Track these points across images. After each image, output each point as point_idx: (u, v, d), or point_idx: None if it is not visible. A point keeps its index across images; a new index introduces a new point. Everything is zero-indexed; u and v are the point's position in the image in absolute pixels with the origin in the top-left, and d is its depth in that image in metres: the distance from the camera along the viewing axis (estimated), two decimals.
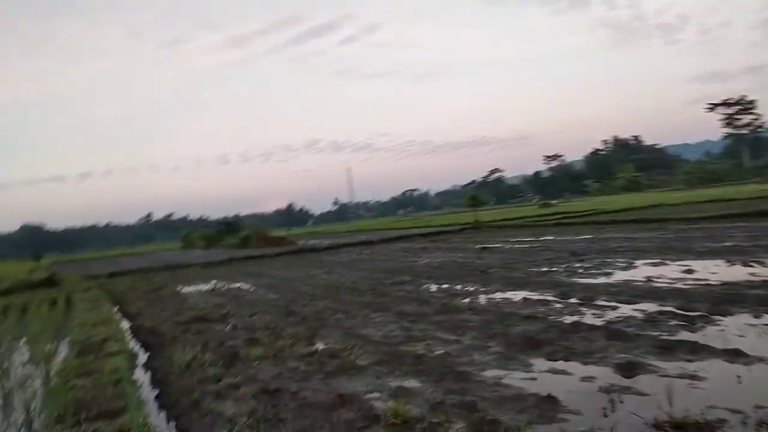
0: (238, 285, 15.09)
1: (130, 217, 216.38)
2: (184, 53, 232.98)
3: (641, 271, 10.34)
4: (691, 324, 6.14)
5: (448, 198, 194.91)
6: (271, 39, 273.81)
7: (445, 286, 10.92)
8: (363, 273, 14.77)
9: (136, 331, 9.27)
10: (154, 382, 5.98)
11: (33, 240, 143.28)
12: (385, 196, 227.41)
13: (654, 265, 10.93)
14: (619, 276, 9.98)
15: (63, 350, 7.90)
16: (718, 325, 6.03)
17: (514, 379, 5.00)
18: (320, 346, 6.83)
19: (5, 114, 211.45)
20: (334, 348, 6.55)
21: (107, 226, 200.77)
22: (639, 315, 6.80)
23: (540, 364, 5.33)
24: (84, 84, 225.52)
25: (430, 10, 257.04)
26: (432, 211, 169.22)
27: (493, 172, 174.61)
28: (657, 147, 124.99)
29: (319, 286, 12.80)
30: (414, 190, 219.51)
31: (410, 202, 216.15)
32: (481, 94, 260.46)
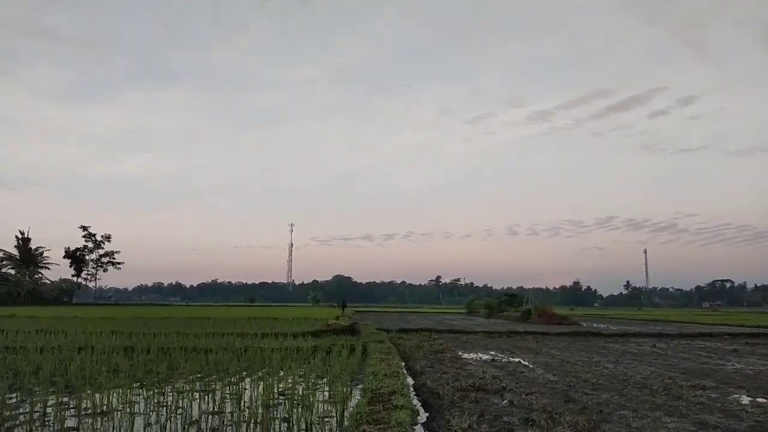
0: (516, 359, 14.93)
1: (421, 277, 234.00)
2: (488, 128, 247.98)
3: None
4: None
5: None
6: (573, 113, 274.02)
7: (761, 399, 9.17)
8: (655, 369, 13.27)
9: (418, 389, 9.81)
10: None
11: (342, 289, 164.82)
12: (687, 285, 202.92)
13: None
14: None
15: (356, 395, 8.77)
16: None
17: None
18: None
19: (336, 180, 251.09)
20: None
21: (402, 283, 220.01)
22: None
23: None
24: (398, 154, 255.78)
25: (757, 78, 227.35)
26: (748, 307, 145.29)
27: None
28: None
29: (602, 375, 11.90)
30: (726, 280, 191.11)
31: (720, 294, 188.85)
32: None
